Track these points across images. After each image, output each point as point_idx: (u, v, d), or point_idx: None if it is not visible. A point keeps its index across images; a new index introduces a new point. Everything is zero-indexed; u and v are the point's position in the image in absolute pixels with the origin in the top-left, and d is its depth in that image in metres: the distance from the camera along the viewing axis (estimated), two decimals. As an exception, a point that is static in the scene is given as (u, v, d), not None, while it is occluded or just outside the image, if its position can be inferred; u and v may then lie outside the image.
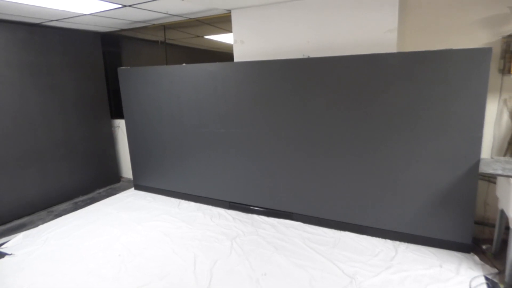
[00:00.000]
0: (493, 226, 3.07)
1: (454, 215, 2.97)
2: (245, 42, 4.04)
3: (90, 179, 5.14)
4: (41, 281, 2.84)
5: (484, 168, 2.66)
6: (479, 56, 2.64)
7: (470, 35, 3.06)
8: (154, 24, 4.76)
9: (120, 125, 5.46)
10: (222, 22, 4.35)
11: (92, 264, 3.07)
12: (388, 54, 2.98)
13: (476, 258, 2.90)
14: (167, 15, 4.13)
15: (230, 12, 4.04)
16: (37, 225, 3.97)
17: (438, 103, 2.84)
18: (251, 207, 4.02)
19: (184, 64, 4.07)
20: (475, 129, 2.75)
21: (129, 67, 4.56)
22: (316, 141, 3.44)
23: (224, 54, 4.49)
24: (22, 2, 3.28)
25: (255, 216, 3.95)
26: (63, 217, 4.19)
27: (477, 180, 2.83)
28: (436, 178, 2.98)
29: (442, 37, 3.16)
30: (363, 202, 3.34)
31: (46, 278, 2.88)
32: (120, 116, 5.06)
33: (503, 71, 2.97)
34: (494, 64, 2.97)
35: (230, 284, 2.70)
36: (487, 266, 2.78)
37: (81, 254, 3.26)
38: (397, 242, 3.23)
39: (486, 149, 3.19)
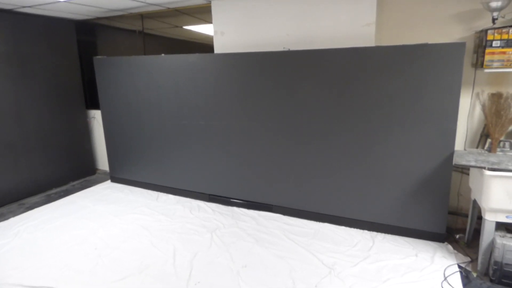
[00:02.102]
0: (466, 216, 3.18)
1: (429, 206, 3.05)
2: (225, 33, 3.99)
3: (64, 171, 4.97)
4: (14, 276, 2.73)
5: (458, 160, 2.74)
6: (453, 50, 2.70)
7: (445, 29, 3.13)
8: (131, 13, 4.63)
9: (96, 116, 5.29)
10: (202, 12, 4.27)
11: (67, 257, 2.98)
12: (366, 48, 3.02)
13: (450, 247, 2.99)
14: (145, 4, 4.02)
15: (210, 3, 3.97)
16: (7, 218, 3.81)
17: (414, 96, 2.90)
18: (231, 200, 4.00)
19: (163, 54, 3.98)
20: (450, 121, 2.82)
21: (105, 57, 4.42)
22: (294, 134, 3.45)
23: (204, 46, 4.42)
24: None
25: (235, 209, 3.93)
26: (36, 209, 4.05)
27: (451, 171, 2.91)
28: (411, 170, 3.05)
29: (418, 32, 3.22)
30: (341, 194, 3.39)
31: (19, 273, 2.77)
32: (96, 106, 4.92)
33: (476, 65, 3.05)
34: (468, 59, 3.05)
35: (210, 276, 2.68)
36: (460, 255, 2.88)
37: (56, 247, 3.15)
38: (375, 233, 3.30)
39: (460, 141, 3.28)
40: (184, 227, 3.51)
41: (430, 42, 2.79)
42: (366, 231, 3.33)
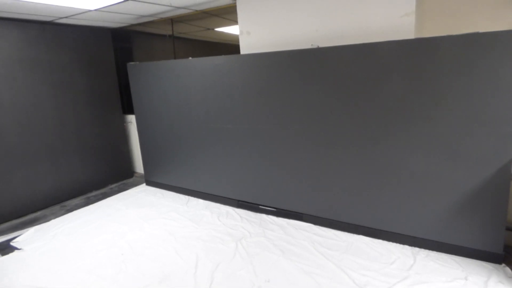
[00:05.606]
0: (529, 233, 2.70)
1: (483, 220, 2.63)
2: (251, 33, 3.82)
3: (103, 174, 5.17)
4: (43, 278, 2.82)
5: (517, 169, 2.32)
6: (511, 39, 2.28)
7: (500, 16, 2.66)
8: (162, 18, 4.66)
9: (132, 120, 5.44)
10: (229, 13, 4.15)
11: (94, 262, 3.03)
12: (405, 41, 2.67)
13: (509, 270, 2.55)
14: (172, 7, 4.00)
15: (235, 3, 3.83)
16: (49, 220, 4.02)
17: (463, 94, 2.51)
18: (260, 206, 3.83)
19: (190, 58, 3.92)
20: (508, 124, 2.40)
21: (137, 62, 4.49)
22: (329, 138, 3.19)
23: (233, 46, 4.30)
24: (28, 0, 3.28)
25: (263, 216, 3.76)
26: (74, 212, 4.23)
27: (509, 182, 2.48)
28: (461, 179, 2.65)
29: (467, 20, 2.78)
30: (380, 204, 3.06)
31: (48, 275, 2.86)
32: (132, 111, 5.04)
33: (542, 56, 2.56)
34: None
35: (229, 291, 2.54)
36: (521, 280, 2.43)
37: (86, 251, 3.23)
38: (416, 249, 2.93)
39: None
40: (209, 234, 3.42)
41: (481, 31, 2.38)
42: (406, 247, 2.97)
